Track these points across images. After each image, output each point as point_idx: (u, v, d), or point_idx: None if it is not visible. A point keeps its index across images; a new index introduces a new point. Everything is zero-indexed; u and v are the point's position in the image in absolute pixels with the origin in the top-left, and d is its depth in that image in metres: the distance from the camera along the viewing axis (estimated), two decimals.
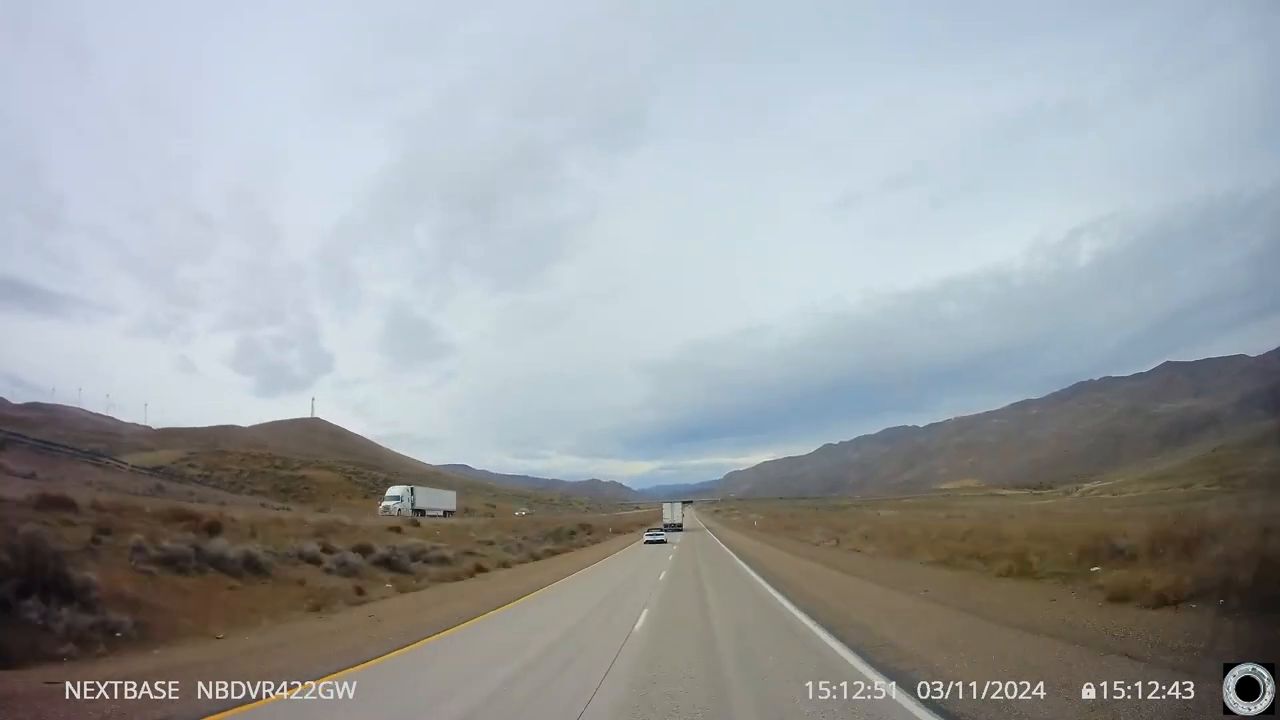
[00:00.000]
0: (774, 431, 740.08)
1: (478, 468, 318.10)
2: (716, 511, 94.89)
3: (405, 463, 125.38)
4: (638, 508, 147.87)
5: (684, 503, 70.72)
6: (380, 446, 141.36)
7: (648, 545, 31.30)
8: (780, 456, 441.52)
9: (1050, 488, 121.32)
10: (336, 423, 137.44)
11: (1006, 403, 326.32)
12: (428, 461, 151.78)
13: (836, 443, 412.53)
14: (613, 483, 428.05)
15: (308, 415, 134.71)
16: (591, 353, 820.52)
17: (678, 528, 50.69)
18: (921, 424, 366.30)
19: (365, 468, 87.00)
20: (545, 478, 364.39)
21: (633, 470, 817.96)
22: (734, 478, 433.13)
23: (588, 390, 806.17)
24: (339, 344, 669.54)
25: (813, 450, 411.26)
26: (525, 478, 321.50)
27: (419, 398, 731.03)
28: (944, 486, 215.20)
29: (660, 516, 54.38)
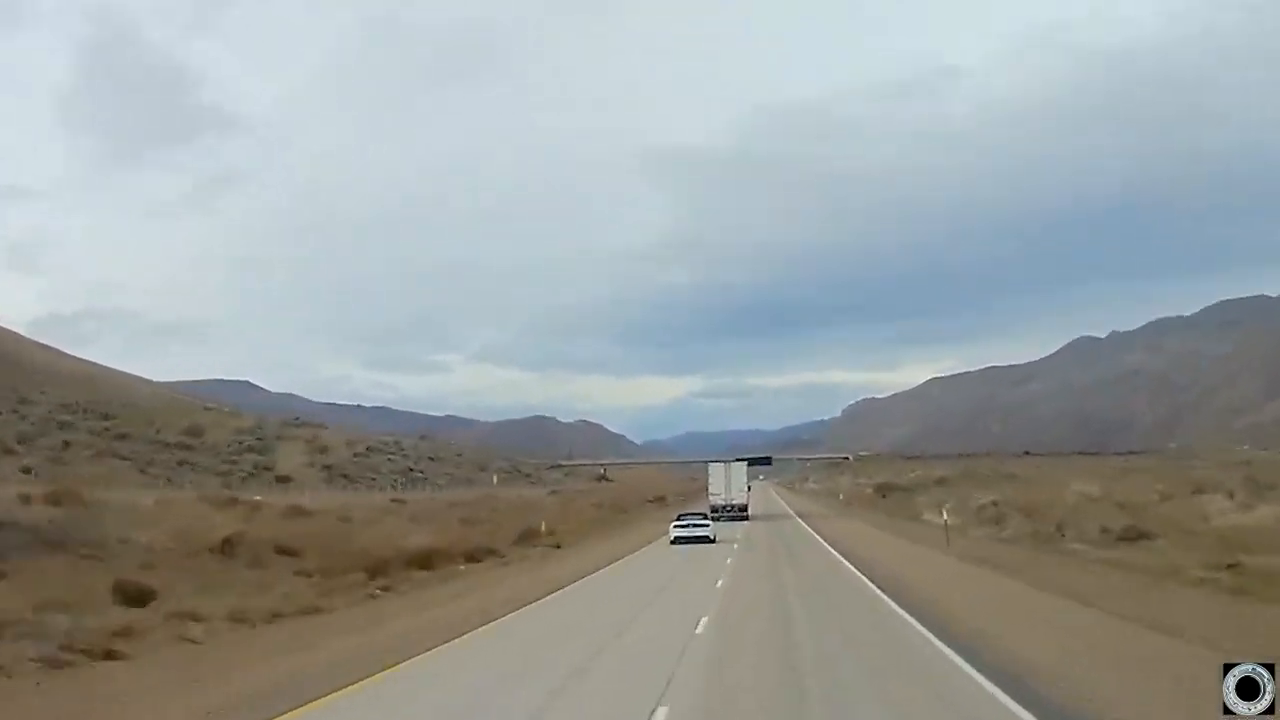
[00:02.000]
0: (955, 313, 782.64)
1: (276, 390, 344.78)
2: (881, 491, 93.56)
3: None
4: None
5: (747, 461, 79.07)
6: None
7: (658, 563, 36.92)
8: (971, 367, 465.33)
9: None
10: None
11: None
12: (149, 378, 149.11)
13: (1104, 335, 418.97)
14: (583, 423, 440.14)
15: None
16: (551, 134, 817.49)
17: (740, 514, 65.31)
18: None
19: None
20: (431, 413, 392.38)
21: (636, 395, 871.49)
22: (864, 415, 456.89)
23: (538, 223, 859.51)
24: None
25: (1048, 353, 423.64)
26: (387, 410, 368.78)
27: (159, 235, 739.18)
28: None
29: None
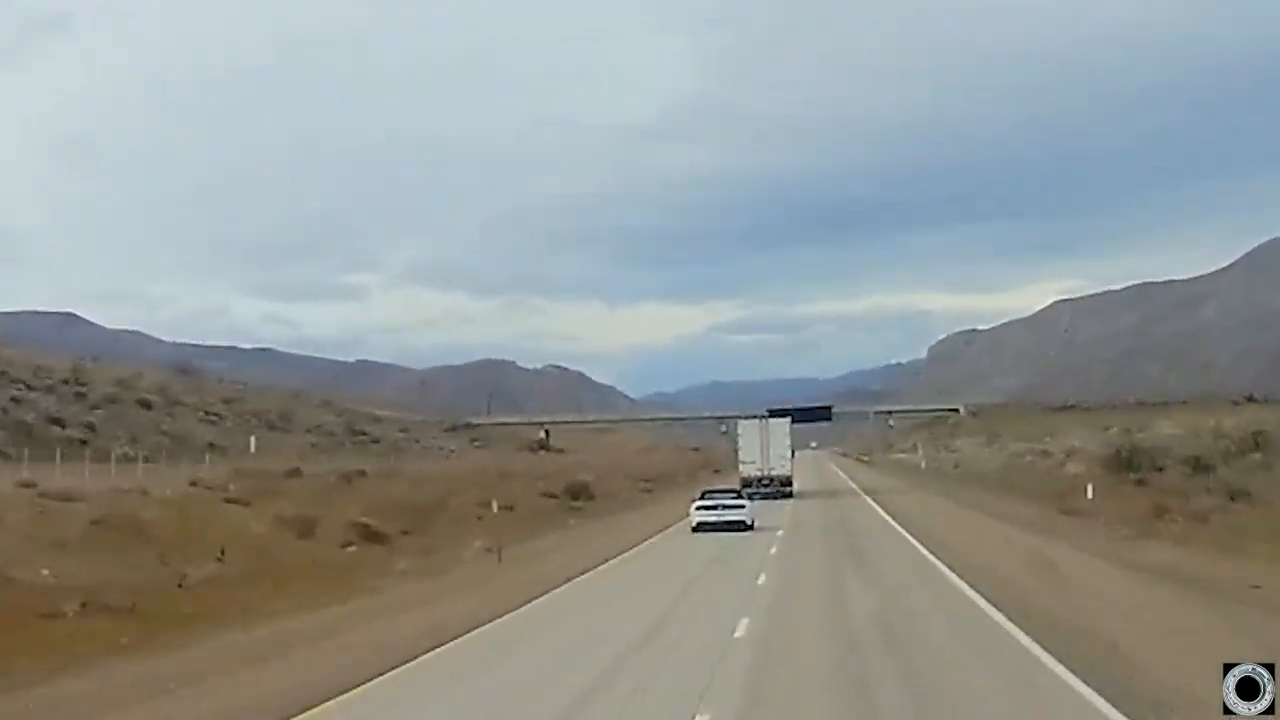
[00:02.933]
0: (1093, 210, 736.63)
1: (112, 325, 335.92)
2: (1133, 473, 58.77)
3: None
4: None
5: (791, 417, 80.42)
6: None
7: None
8: (1114, 285, 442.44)
9: None
10: None
11: None
12: None
13: None
14: (555, 369, 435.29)
15: None
16: None
17: (781, 489, 68.53)
18: None
19: None
20: (338, 357, 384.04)
21: (636, 331, 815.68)
22: (962, 355, 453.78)
23: (497, 84, 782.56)
24: None
25: (1227, 263, 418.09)
26: (273, 353, 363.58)
27: None
28: None
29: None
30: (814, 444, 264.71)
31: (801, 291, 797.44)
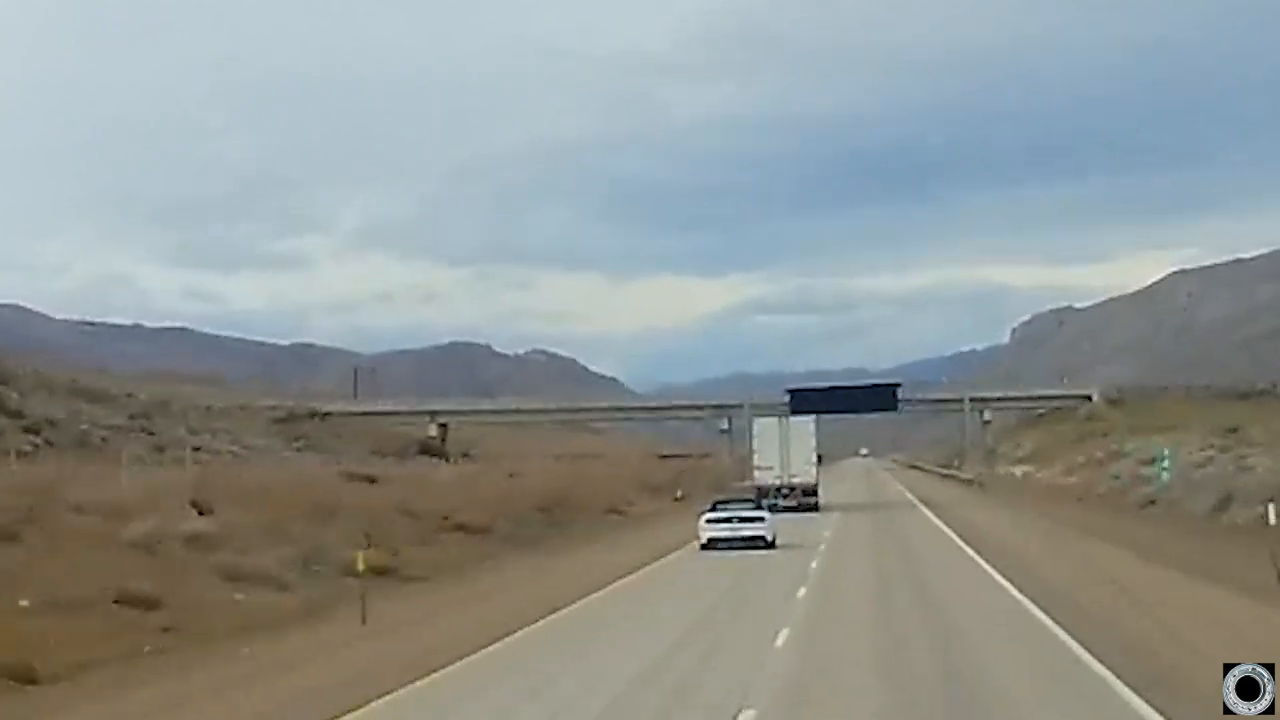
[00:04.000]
0: (1220, 160, 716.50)
1: None
2: None
3: None
4: None
5: (822, 404, 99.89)
6: None
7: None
8: (1245, 253, 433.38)
9: None
10: None
11: None
12: None
13: None
14: (540, 355, 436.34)
15: None
16: None
17: (804, 501, 69.54)
18: None
19: None
20: (273, 340, 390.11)
21: (644, 310, 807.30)
22: (1052, 339, 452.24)
23: (469, 6, 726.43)
24: None
25: None
26: (190, 333, 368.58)
27: None
28: None
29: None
30: (864, 450, 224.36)
31: (848, 263, 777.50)
